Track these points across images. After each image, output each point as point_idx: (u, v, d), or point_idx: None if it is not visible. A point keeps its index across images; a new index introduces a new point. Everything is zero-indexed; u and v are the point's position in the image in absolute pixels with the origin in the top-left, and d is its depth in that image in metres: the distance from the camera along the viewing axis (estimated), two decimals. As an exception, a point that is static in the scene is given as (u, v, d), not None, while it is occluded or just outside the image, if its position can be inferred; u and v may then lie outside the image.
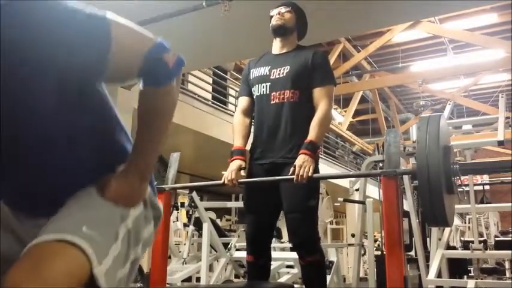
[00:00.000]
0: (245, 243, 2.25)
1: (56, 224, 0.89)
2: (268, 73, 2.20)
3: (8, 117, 0.88)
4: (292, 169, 1.98)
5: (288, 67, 2.16)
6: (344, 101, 13.86)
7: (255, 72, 2.25)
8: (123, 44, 0.90)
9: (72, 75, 0.89)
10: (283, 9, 2.23)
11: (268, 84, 2.18)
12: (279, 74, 2.17)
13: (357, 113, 14.14)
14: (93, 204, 0.95)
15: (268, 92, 2.17)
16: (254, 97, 2.25)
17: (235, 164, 2.12)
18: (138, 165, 1.01)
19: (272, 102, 2.15)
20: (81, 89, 0.95)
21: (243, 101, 2.30)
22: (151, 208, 1.09)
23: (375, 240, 5.45)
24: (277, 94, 2.14)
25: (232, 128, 2.27)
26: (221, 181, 2.14)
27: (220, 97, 7.96)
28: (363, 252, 5.70)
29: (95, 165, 1.00)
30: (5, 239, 1.00)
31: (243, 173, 2.13)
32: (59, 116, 0.92)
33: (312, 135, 2.04)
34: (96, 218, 0.92)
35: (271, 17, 2.25)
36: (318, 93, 2.14)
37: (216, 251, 4.38)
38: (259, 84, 2.21)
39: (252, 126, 2.28)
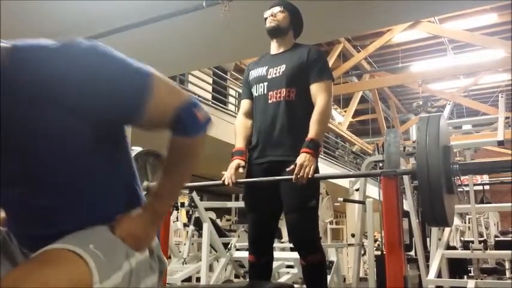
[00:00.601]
0: (245, 243, 2.26)
1: (64, 239, 0.91)
2: (265, 73, 2.21)
3: (37, 157, 0.93)
4: (292, 167, 1.96)
5: (284, 66, 2.17)
6: (344, 101, 13.87)
7: (254, 73, 2.27)
8: (161, 97, 0.97)
9: (107, 122, 0.96)
10: (275, 10, 2.22)
11: (265, 84, 2.19)
12: (275, 74, 2.18)
13: (356, 113, 14.14)
14: (101, 234, 0.97)
15: (265, 92, 2.18)
16: (254, 97, 2.26)
17: (234, 163, 2.14)
18: (155, 208, 1.05)
19: (269, 101, 2.16)
20: (112, 135, 1.02)
21: (244, 104, 2.32)
22: (158, 260, 1.10)
23: (375, 240, 5.44)
24: (274, 93, 2.15)
25: (234, 129, 2.29)
26: (221, 181, 2.15)
27: (220, 97, 7.96)
28: (363, 252, 5.70)
29: (107, 211, 1.02)
30: (5, 268, 0.99)
31: (241, 170, 2.13)
32: (85, 158, 0.97)
33: (312, 132, 2.03)
34: (104, 244, 0.93)
35: (266, 19, 2.25)
36: (315, 88, 2.13)
37: (216, 251, 4.38)
38: (257, 85, 2.22)
39: None
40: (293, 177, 1.95)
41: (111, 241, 0.97)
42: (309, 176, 1.94)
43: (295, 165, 1.96)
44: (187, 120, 1.00)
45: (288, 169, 1.97)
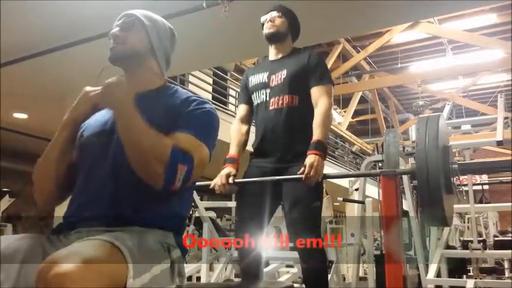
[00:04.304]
0: (245, 243, 2.24)
1: (106, 234, 0.99)
2: (267, 80, 2.18)
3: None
4: (302, 169, 1.92)
5: (285, 71, 2.14)
6: (343, 101, 13.87)
7: (254, 80, 2.24)
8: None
9: None
10: (274, 14, 2.20)
11: (267, 90, 2.17)
12: (277, 81, 2.15)
13: (356, 113, 14.16)
14: (141, 237, 1.07)
15: (268, 99, 2.16)
16: (254, 104, 2.24)
17: (225, 171, 2.09)
18: (129, 103, 1.14)
19: (271, 108, 2.14)
20: None
21: (242, 109, 2.29)
22: (178, 274, 1.17)
23: (375, 240, 5.45)
24: (276, 100, 2.13)
25: (229, 135, 2.26)
26: (211, 185, 2.11)
27: (220, 97, 7.96)
28: (362, 251, 5.70)
29: (155, 222, 1.15)
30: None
31: (230, 180, 2.07)
32: None
33: (317, 134, 2.00)
34: (140, 245, 1.02)
35: (262, 24, 2.22)
36: (316, 91, 2.11)
37: (216, 251, 4.39)
38: (259, 91, 2.20)
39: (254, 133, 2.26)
40: (302, 176, 1.90)
41: (147, 245, 1.06)
42: (320, 177, 1.90)
43: (305, 166, 1.92)
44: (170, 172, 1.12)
45: (298, 172, 1.93)
